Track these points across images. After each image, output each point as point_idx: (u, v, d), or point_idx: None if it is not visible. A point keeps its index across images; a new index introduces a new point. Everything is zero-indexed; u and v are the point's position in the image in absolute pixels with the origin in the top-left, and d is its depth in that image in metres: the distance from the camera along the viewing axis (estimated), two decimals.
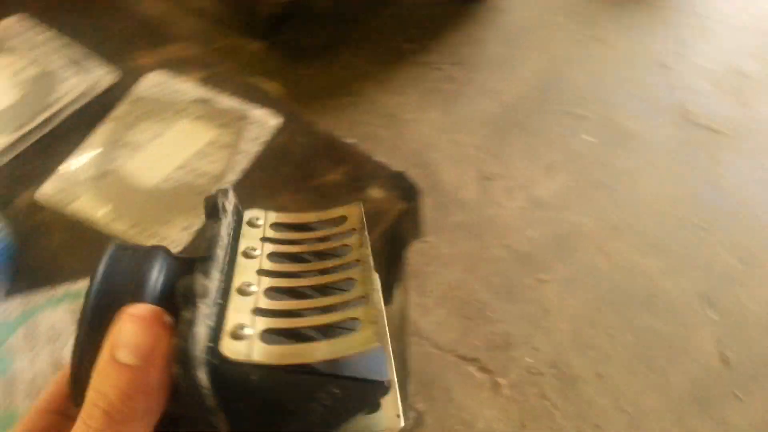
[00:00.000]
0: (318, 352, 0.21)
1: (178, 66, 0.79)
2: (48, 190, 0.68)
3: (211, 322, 0.22)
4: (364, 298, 0.23)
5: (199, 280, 0.22)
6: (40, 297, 0.59)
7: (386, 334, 0.25)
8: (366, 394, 0.23)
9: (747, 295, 1.42)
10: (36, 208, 0.67)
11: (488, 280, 1.43)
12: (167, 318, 0.22)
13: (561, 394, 1.27)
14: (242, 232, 0.26)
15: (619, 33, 2.01)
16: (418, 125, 1.75)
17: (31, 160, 0.71)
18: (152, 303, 0.22)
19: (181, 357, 0.20)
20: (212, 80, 0.77)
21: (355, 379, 0.22)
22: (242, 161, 0.69)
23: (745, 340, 1.35)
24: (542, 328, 1.36)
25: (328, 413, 0.23)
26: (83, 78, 0.76)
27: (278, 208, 0.70)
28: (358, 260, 0.25)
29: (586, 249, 1.49)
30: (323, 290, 0.24)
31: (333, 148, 0.71)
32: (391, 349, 0.26)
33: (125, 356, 0.21)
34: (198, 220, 0.65)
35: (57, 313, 0.58)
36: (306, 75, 1.85)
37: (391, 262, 0.73)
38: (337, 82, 1.85)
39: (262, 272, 0.24)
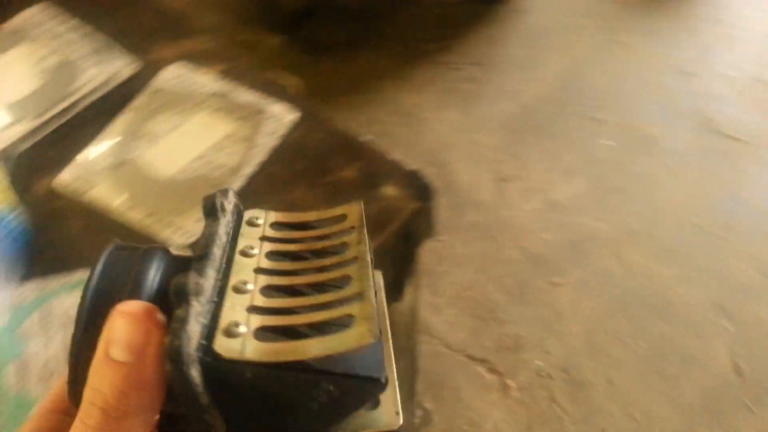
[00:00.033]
0: (312, 348, 0.21)
1: (198, 58, 0.80)
2: (66, 178, 0.69)
3: (204, 320, 0.22)
4: (360, 295, 0.23)
5: (193, 278, 0.22)
6: (55, 283, 0.60)
7: (382, 331, 0.25)
8: (362, 391, 0.23)
9: (764, 306, 1.40)
10: (53, 195, 0.68)
11: (501, 282, 1.43)
12: (160, 314, 0.22)
13: (570, 398, 1.26)
14: (242, 231, 0.26)
15: (641, 38, 2.00)
16: (436, 124, 1.75)
17: (49, 148, 0.72)
18: (149, 302, 0.22)
19: (172, 355, 0.20)
20: (231, 74, 0.78)
21: (350, 376, 0.22)
22: (258, 155, 0.70)
23: (760, 352, 1.33)
24: (554, 331, 1.35)
25: (325, 410, 0.22)
26: (104, 68, 0.77)
27: (292, 203, 0.70)
28: (355, 257, 0.24)
29: (602, 254, 1.48)
30: (320, 288, 0.24)
31: (349, 145, 0.72)
32: (391, 345, 0.26)
33: (118, 353, 0.21)
34: None
35: (71, 298, 0.59)
36: (325, 71, 1.85)
37: (403, 261, 0.73)
38: (356, 79, 1.85)
39: (259, 271, 0.24)
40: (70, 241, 0.65)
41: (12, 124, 0.72)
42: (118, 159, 0.70)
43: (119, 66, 0.78)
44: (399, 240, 0.66)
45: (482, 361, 1.31)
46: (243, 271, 0.24)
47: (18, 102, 0.75)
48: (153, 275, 0.23)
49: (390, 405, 0.25)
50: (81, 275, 0.61)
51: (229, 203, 0.26)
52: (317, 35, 1.97)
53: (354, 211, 0.27)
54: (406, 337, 0.89)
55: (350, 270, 0.24)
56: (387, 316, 0.28)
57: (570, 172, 1.64)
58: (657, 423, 1.24)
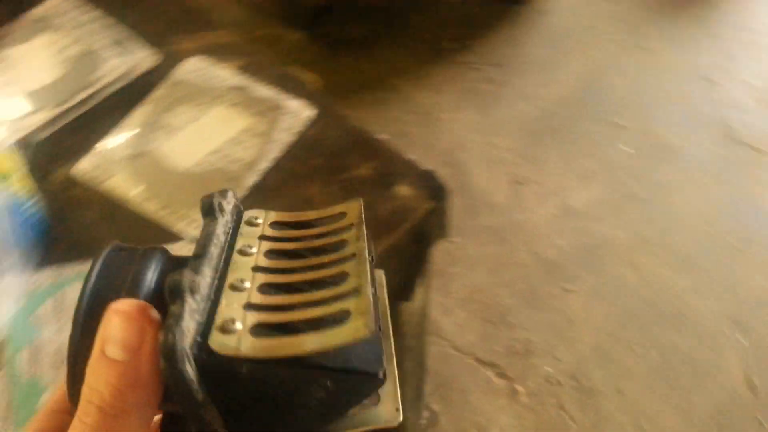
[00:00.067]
0: (307, 343, 0.21)
1: (218, 52, 0.80)
2: (84, 167, 0.69)
3: (200, 317, 0.22)
4: (357, 291, 0.23)
5: (188, 276, 0.22)
6: (70, 270, 0.61)
7: (382, 327, 0.25)
8: (360, 386, 0.23)
9: None
10: (71, 183, 0.69)
11: (513, 286, 1.42)
12: (154, 312, 0.22)
13: (579, 406, 1.25)
14: (241, 231, 0.26)
15: (664, 43, 1.98)
16: (453, 125, 1.75)
17: (69, 137, 0.72)
18: (146, 301, 0.22)
19: (166, 351, 0.20)
20: (251, 68, 0.78)
21: (347, 371, 0.22)
22: (274, 150, 0.70)
23: None
24: (565, 338, 1.35)
25: (323, 407, 0.22)
26: (125, 59, 0.78)
27: (306, 199, 0.71)
28: (353, 254, 0.24)
29: (616, 261, 1.47)
30: (317, 285, 0.24)
31: (365, 143, 0.72)
32: (392, 343, 0.26)
33: (113, 351, 0.21)
34: None
35: None
36: (344, 68, 1.85)
37: (414, 260, 0.73)
38: (375, 77, 1.85)
39: (257, 269, 0.24)
40: (86, 230, 0.66)
41: (33, 112, 0.73)
42: (136, 150, 0.71)
43: (140, 57, 0.78)
44: (411, 240, 0.66)
45: (491, 365, 1.31)
46: (240, 269, 0.24)
47: (39, 90, 0.75)
48: (151, 276, 0.23)
49: (390, 401, 0.24)
50: None
51: (228, 204, 0.26)
52: (337, 32, 1.97)
53: (353, 208, 0.27)
54: (416, 337, 0.89)
55: (348, 266, 0.24)
56: (389, 314, 0.27)
57: (587, 178, 1.63)
58: None
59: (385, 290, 0.28)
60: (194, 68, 0.78)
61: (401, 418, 0.24)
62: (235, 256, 0.25)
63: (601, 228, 1.53)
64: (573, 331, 1.35)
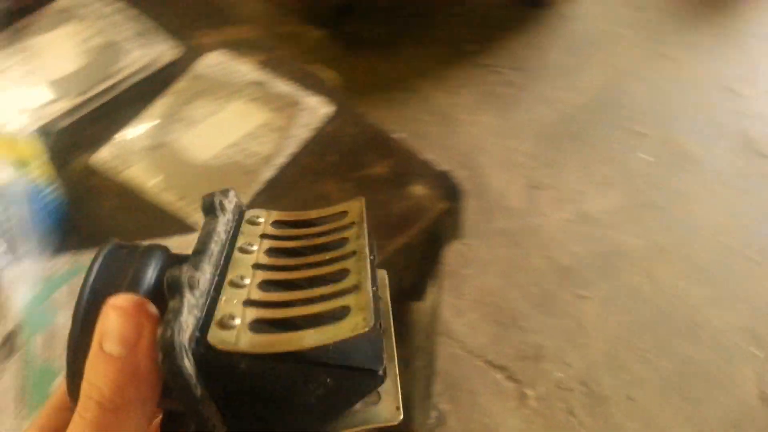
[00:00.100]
0: (306, 339, 0.21)
1: (239, 47, 0.80)
2: (103, 156, 0.70)
3: (199, 313, 0.22)
4: (357, 287, 0.22)
5: (187, 271, 0.22)
6: (86, 257, 0.62)
7: (383, 325, 0.25)
8: (359, 383, 0.23)
9: None
10: (90, 172, 0.69)
11: (525, 290, 1.41)
12: (152, 307, 0.22)
13: (589, 412, 1.24)
14: (242, 229, 0.26)
15: (688, 52, 1.95)
16: (471, 127, 1.74)
17: (90, 126, 0.73)
18: (145, 298, 0.22)
19: (164, 345, 0.20)
20: (271, 64, 0.78)
21: (346, 368, 0.22)
22: (291, 145, 0.70)
23: None
24: (576, 344, 1.34)
25: (323, 404, 0.22)
26: (147, 51, 0.78)
27: (321, 195, 0.71)
28: (354, 252, 0.24)
29: (631, 270, 1.46)
30: (317, 282, 0.24)
31: (381, 141, 0.72)
32: (394, 342, 0.26)
33: (111, 347, 0.21)
34: (243, 198, 0.66)
35: None
36: (363, 67, 1.85)
37: (427, 260, 0.73)
38: (394, 77, 1.85)
39: (257, 266, 0.24)
40: (103, 218, 0.67)
41: (54, 100, 0.74)
42: (155, 141, 0.71)
43: (162, 50, 0.79)
44: (425, 239, 0.66)
45: (501, 368, 1.30)
46: (241, 266, 0.24)
47: (61, 79, 0.76)
48: (151, 273, 0.23)
49: (391, 400, 0.24)
50: None
51: (230, 202, 0.26)
52: (358, 31, 1.98)
53: (355, 207, 0.27)
54: (426, 337, 0.89)
55: (348, 264, 0.24)
56: (391, 314, 0.27)
57: (605, 185, 1.62)
58: None
59: (388, 290, 0.28)
60: (215, 62, 0.79)
61: (402, 417, 0.24)
62: (236, 254, 0.25)
63: (618, 235, 1.51)
64: (585, 338, 1.35)
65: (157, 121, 0.73)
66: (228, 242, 0.25)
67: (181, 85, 0.76)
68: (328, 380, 0.22)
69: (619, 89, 1.85)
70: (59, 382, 0.25)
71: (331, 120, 0.73)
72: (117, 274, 0.23)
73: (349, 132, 0.72)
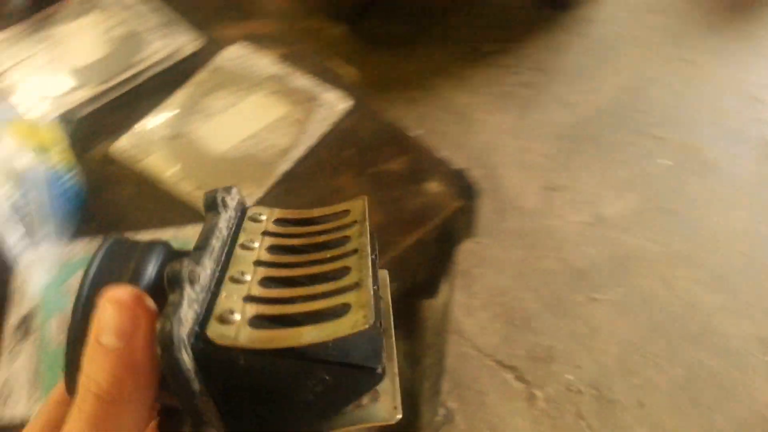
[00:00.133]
0: (306, 335, 0.21)
1: (259, 41, 0.81)
2: (123, 145, 0.71)
3: (198, 308, 0.22)
4: (357, 285, 0.22)
5: (188, 266, 0.21)
6: None
7: (383, 324, 0.25)
8: (358, 381, 0.23)
9: None
10: (109, 160, 0.70)
11: (538, 291, 1.41)
12: (148, 299, 0.22)
13: (598, 416, 1.24)
14: (244, 227, 0.26)
15: (712, 59, 1.93)
16: (488, 127, 1.74)
17: (110, 115, 0.74)
18: (144, 292, 0.22)
19: (163, 338, 0.20)
20: (290, 58, 0.79)
21: (345, 365, 0.22)
22: (308, 139, 0.71)
23: None
24: (588, 347, 1.33)
25: (321, 401, 0.22)
26: (169, 42, 0.79)
27: (336, 190, 0.71)
28: (355, 250, 0.24)
29: (646, 274, 1.45)
30: (318, 279, 0.24)
31: (398, 138, 0.72)
32: (394, 342, 0.25)
33: (108, 339, 0.21)
34: (259, 190, 0.67)
35: None
36: (382, 64, 1.86)
37: (440, 258, 0.73)
38: (413, 75, 1.85)
39: (258, 263, 0.24)
40: (121, 205, 0.67)
41: (76, 88, 0.75)
42: (174, 131, 0.72)
43: (183, 41, 0.79)
44: (438, 237, 0.66)
45: (511, 368, 1.30)
46: (242, 263, 0.24)
47: (84, 68, 0.77)
48: (152, 268, 0.23)
49: (389, 399, 0.24)
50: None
51: (232, 200, 0.26)
52: (378, 28, 1.98)
53: (357, 206, 0.27)
54: (436, 334, 0.89)
55: (349, 261, 0.24)
56: (392, 313, 0.27)
57: (622, 188, 1.60)
58: None
59: (389, 290, 0.28)
60: (236, 55, 0.79)
61: (400, 416, 0.24)
62: (237, 250, 0.25)
63: (633, 240, 1.50)
64: (597, 341, 1.34)
65: (176, 112, 0.74)
66: (229, 239, 0.25)
67: (201, 76, 0.77)
68: (327, 377, 0.22)
69: (639, 93, 1.83)
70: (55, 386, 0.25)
71: (349, 115, 0.73)
72: (118, 268, 0.23)
73: (366, 127, 0.72)
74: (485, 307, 1.38)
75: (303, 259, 0.25)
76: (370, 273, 0.23)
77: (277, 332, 0.21)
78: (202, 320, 0.21)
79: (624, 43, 1.97)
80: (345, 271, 0.23)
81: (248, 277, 0.23)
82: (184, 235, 0.63)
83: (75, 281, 0.60)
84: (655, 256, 1.48)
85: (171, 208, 0.66)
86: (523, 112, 1.77)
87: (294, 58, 0.79)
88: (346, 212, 0.27)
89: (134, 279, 0.23)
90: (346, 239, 0.25)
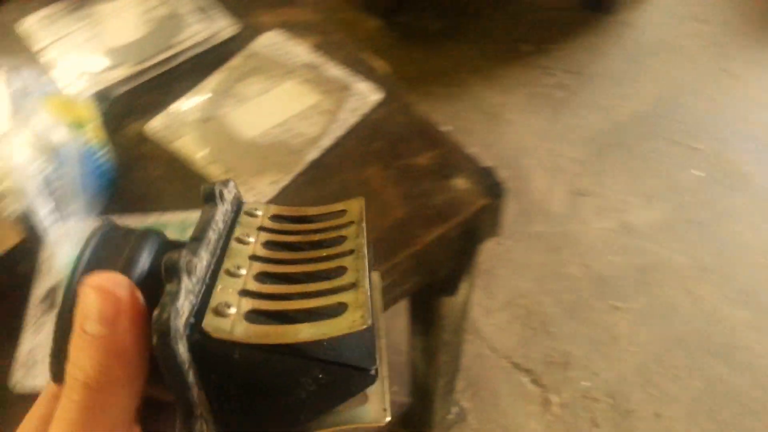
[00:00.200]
0: (301, 333, 0.21)
1: (295, 29, 0.81)
2: (156, 125, 0.72)
3: (195, 299, 0.22)
4: (354, 285, 0.22)
5: (186, 256, 0.21)
6: (131, 221, 0.63)
7: (375, 326, 0.25)
8: (351, 381, 0.23)
9: None
10: (142, 139, 0.71)
11: (558, 296, 1.40)
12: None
13: (613, 425, 1.23)
14: (239, 221, 0.26)
15: (753, 70, 1.89)
16: (519, 128, 1.72)
17: (145, 94, 0.75)
18: (139, 283, 0.22)
19: (160, 328, 0.20)
20: (325, 47, 0.79)
21: (339, 365, 0.22)
22: (338, 129, 0.71)
23: None
24: (606, 355, 1.32)
25: (313, 399, 0.22)
26: (207, 26, 0.80)
27: (363, 181, 0.71)
28: (352, 250, 0.24)
29: (670, 285, 1.42)
30: (314, 277, 0.24)
31: (427, 132, 0.72)
32: (384, 344, 0.25)
33: (92, 326, 0.20)
34: (286, 177, 0.67)
35: None
36: (416, 59, 1.85)
37: (462, 255, 0.73)
38: (445, 71, 1.84)
39: (254, 258, 0.24)
40: (150, 185, 0.69)
41: (113, 67, 0.76)
42: (206, 114, 0.73)
43: (221, 26, 0.80)
44: (461, 234, 0.66)
45: (527, 371, 1.29)
46: (237, 256, 0.24)
47: (122, 47, 0.79)
48: (145, 257, 0.23)
49: (378, 401, 0.24)
50: (155, 218, 0.64)
51: (230, 193, 0.26)
52: (413, 24, 1.97)
53: (354, 206, 0.27)
54: (454, 332, 0.89)
55: (346, 261, 0.24)
56: (382, 316, 0.27)
57: (650, 197, 1.58)
58: None
59: (380, 293, 0.28)
60: (271, 42, 0.80)
61: (389, 418, 0.24)
62: (233, 244, 0.25)
63: (660, 249, 1.48)
64: (616, 350, 1.32)
65: (210, 95, 0.75)
66: (225, 232, 0.25)
67: (236, 61, 0.78)
68: (321, 376, 0.22)
69: (675, 102, 1.80)
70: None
71: (379, 107, 0.73)
72: (111, 256, 0.23)
73: (395, 120, 0.72)
74: (504, 309, 1.37)
75: (298, 256, 0.25)
76: (367, 274, 0.23)
77: (273, 328, 0.21)
78: (198, 312, 0.21)
79: (664, 50, 1.94)
80: (341, 270, 0.23)
81: (244, 271, 0.23)
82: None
83: None
84: (680, 267, 1.45)
85: (199, 190, 0.66)
86: (555, 115, 1.76)
87: (328, 47, 0.79)
88: (343, 212, 0.27)
89: (127, 268, 0.22)
90: (341, 239, 0.25)
